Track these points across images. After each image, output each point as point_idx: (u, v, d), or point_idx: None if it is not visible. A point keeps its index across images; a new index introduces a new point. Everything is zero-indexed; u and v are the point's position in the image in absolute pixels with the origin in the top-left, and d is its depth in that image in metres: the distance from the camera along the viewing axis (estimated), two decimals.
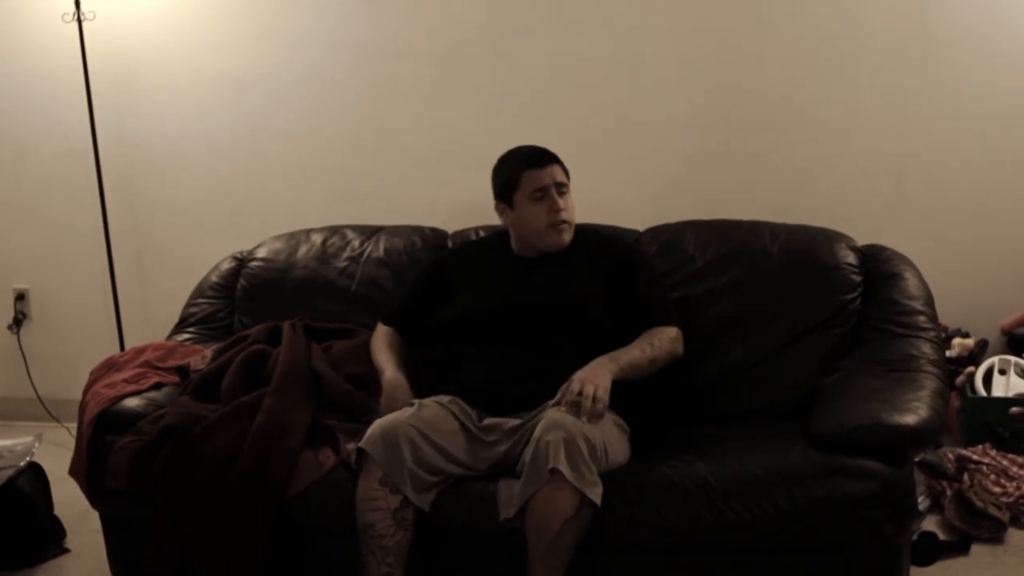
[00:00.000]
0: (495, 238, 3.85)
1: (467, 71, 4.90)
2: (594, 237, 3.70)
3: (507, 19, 4.83)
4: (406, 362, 3.68)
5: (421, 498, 3.17)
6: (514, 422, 3.31)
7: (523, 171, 3.55)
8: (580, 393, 3.15)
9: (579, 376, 3.22)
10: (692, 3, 4.66)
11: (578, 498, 2.99)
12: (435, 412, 3.32)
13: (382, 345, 3.73)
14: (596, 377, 3.21)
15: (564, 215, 3.54)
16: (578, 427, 3.05)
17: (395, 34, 4.93)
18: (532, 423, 3.20)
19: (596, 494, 3.01)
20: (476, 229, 4.13)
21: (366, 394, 3.57)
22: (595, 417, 3.13)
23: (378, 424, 3.25)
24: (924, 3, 4.47)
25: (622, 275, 3.57)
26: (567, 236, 3.58)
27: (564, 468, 2.96)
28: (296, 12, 5.00)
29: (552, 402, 3.23)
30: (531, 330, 3.45)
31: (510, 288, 3.58)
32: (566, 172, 3.61)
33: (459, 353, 3.59)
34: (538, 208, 3.54)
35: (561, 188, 3.56)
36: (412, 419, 3.25)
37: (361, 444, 3.22)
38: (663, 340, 3.45)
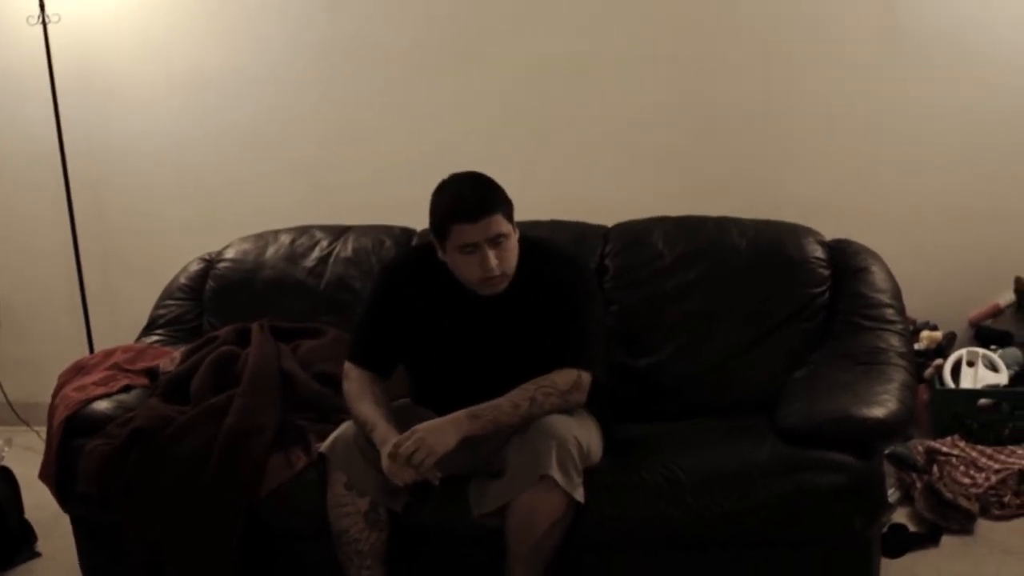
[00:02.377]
0: (426, 275, 3.31)
1: (435, 69, 4.90)
2: (544, 261, 3.28)
3: (475, 15, 4.84)
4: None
5: (391, 500, 3.14)
6: None
7: (452, 223, 3.07)
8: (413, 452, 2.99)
9: (419, 436, 3.00)
10: (663, 1, 4.66)
11: (566, 501, 2.99)
12: (404, 422, 3.18)
13: (365, 399, 3.22)
14: (436, 442, 2.99)
15: (496, 270, 3.09)
16: (570, 430, 3.03)
17: (361, 32, 4.93)
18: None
19: (580, 494, 3.02)
20: None
21: (335, 393, 3.54)
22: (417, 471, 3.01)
23: (343, 430, 3.21)
24: (895, 3, 4.49)
25: (559, 302, 3.22)
26: (501, 286, 3.15)
27: (556, 474, 2.94)
28: (261, 11, 5.00)
29: (387, 451, 3.02)
30: (486, 367, 3.21)
31: (461, 332, 3.28)
32: (508, 214, 3.13)
33: (413, 369, 3.45)
34: (468, 260, 3.10)
35: (497, 240, 3.08)
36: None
37: (322, 449, 3.20)
38: (550, 394, 3.10)
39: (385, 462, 3.03)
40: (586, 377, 3.16)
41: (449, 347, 3.30)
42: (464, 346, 3.28)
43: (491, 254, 3.07)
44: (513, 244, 3.15)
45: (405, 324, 3.31)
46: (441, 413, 3.14)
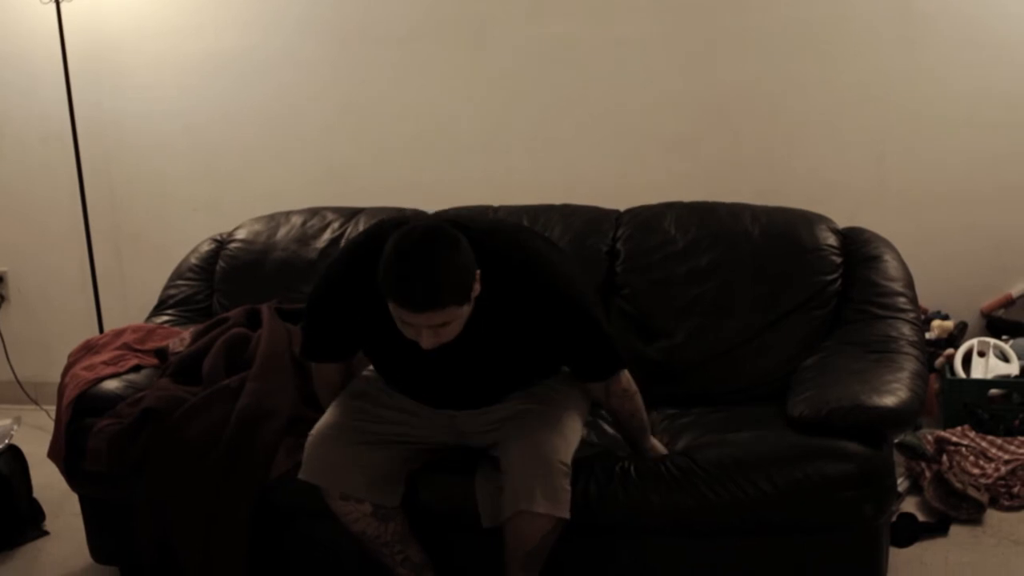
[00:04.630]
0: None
1: (447, 51, 4.89)
2: (503, 272, 2.91)
3: None
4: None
5: (387, 497, 3.13)
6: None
7: (392, 302, 2.74)
8: None
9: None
10: None
11: (554, 519, 2.99)
12: (370, 400, 3.21)
13: (329, 395, 3.30)
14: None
15: (428, 346, 2.80)
16: (555, 452, 3.00)
17: (373, 13, 4.91)
18: (499, 417, 3.14)
19: (567, 510, 2.99)
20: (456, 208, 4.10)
21: None
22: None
23: (310, 447, 3.13)
24: None
25: (546, 316, 2.96)
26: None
27: (543, 507, 2.95)
28: None
29: None
30: (455, 378, 3.11)
31: (421, 358, 2.94)
32: (461, 300, 2.74)
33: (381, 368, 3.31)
34: (404, 326, 2.80)
35: (440, 326, 2.76)
36: (344, 419, 3.15)
37: (300, 476, 3.12)
38: (625, 401, 3.17)
39: None
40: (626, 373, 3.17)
41: (407, 356, 3.01)
42: (420, 358, 2.95)
43: (429, 335, 2.77)
44: (460, 321, 2.80)
45: (355, 318, 3.08)
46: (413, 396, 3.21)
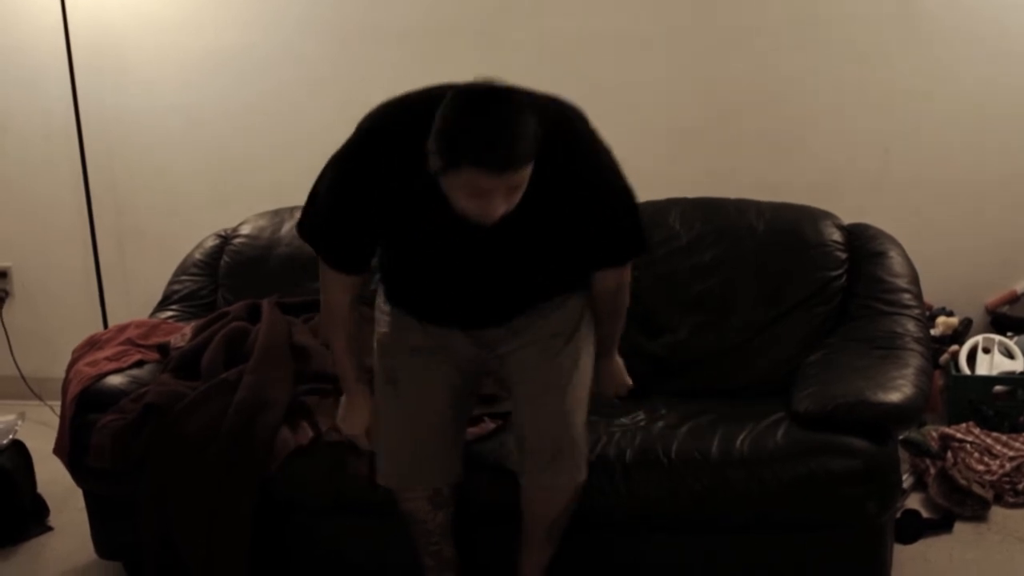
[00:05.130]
0: (420, 139, 2.63)
1: (450, 45, 4.88)
2: (552, 142, 2.65)
3: None
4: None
5: (441, 475, 3.12)
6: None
7: (467, 167, 2.46)
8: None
9: (610, 393, 3.26)
10: None
11: (575, 486, 3.03)
12: (405, 379, 3.08)
13: (339, 331, 3.03)
14: (622, 385, 3.26)
15: (497, 217, 2.56)
16: (572, 420, 2.99)
17: (375, 8, 4.91)
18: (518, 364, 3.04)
19: (585, 471, 3.03)
20: None
21: None
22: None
23: (386, 454, 3.12)
24: None
25: (583, 203, 2.85)
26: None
27: (565, 479, 3.00)
28: None
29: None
30: (480, 270, 2.89)
31: (450, 242, 2.81)
32: (534, 154, 2.52)
33: (398, 267, 3.08)
34: (471, 200, 2.54)
35: (515, 189, 2.55)
36: (399, 416, 3.08)
37: (379, 482, 3.14)
38: (625, 294, 3.04)
39: (340, 415, 3.13)
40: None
41: (435, 243, 2.86)
42: (454, 243, 2.80)
43: (501, 202, 2.55)
44: (524, 184, 2.58)
45: (379, 208, 2.87)
46: (420, 315, 3.03)
